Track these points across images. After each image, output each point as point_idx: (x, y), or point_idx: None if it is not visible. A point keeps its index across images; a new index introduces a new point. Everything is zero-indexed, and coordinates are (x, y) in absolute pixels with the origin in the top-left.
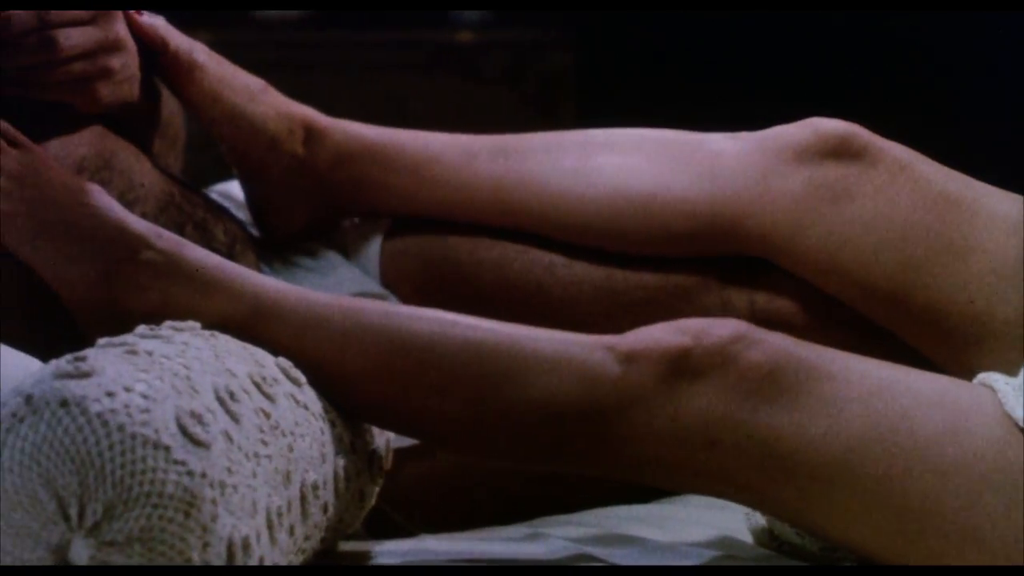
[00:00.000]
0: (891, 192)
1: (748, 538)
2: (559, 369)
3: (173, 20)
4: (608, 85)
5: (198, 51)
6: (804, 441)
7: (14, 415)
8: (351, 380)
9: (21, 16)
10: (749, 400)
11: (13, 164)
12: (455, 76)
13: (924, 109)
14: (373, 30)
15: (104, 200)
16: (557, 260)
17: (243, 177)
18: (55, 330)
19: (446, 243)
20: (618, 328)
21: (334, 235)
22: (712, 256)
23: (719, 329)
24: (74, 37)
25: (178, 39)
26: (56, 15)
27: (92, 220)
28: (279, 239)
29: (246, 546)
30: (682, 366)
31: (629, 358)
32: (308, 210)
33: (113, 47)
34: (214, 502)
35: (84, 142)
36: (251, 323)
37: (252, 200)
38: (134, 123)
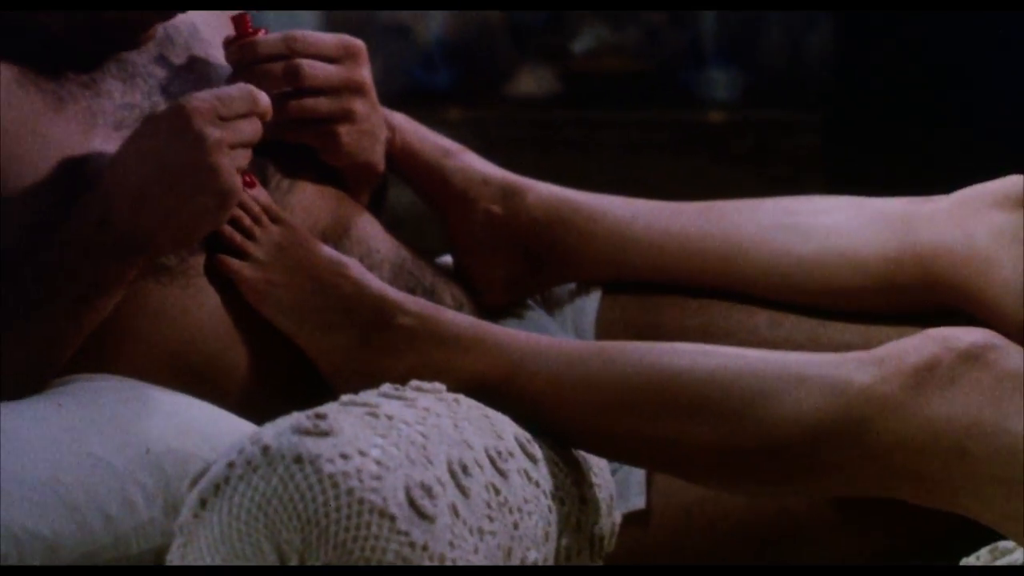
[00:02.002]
0: None
1: None
2: (810, 384)
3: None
4: (856, 165)
5: (394, 115)
6: None
7: (249, 463)
8: (605, 419)
9: (268, 41)
10: (1001, 406)
11: (275, 239)
12: (704, 155)
13: None
14: (624, 109)
15: (360, 271)
16: (761, 322)
17: (449, 237)
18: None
19: (654, 311)
20: None
21: (552, 305)
22: (912, 311)
23: (969, 336)
24: (319, 70)
25: None
26: (302, 44)
27: (350, 290)
28: (486, 303)
29: None
30: (932, 374)
31: (879, 369)
32: (508, 269)
33: (357, 89)
34: None
35: (325, 212)
36: (505, 376)
37: (455, 260)
38: (366, 186)
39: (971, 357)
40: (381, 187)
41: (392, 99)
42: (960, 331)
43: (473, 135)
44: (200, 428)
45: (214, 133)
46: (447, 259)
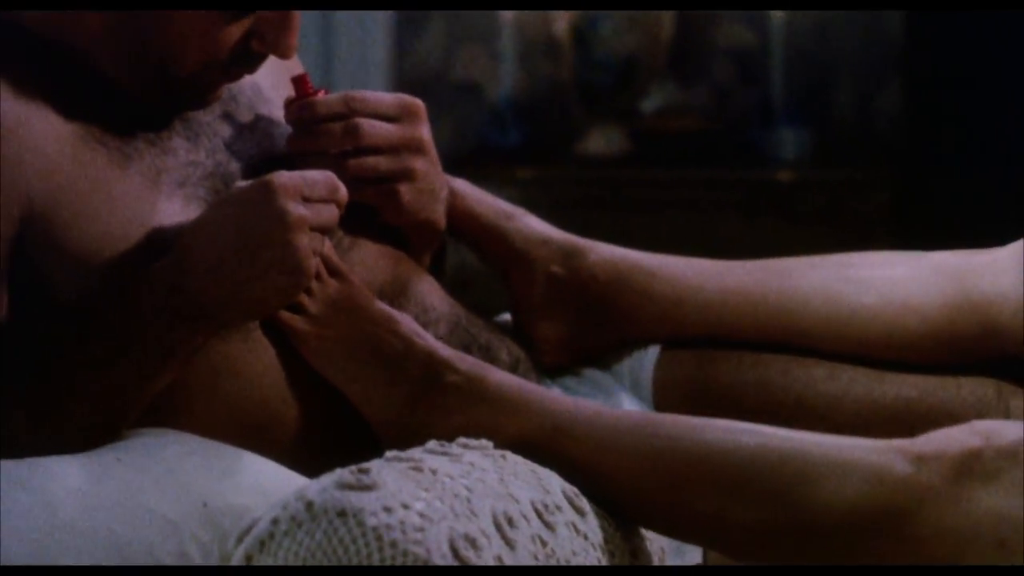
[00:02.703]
0: None
1: None
2: (852, 471)
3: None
4: (925, 224)
5: (455, 180)
6: None
7: (293, 519)
8: (646, 491)
9: (328, 101)
10: None
11: (332, 292)
12: (773, 215)
13: None
14: (694, 168)
15: (411, 327)
16: (818, 374)
17: (509, 298)
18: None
19: (711, 365)
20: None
21: (611, 362)
22: (970, 361)
23: (1011, 430)
24: (378, 129)
25: None
26: (362, 103)
27: (400, 346)
28: (545, 362)
29: None
30: (973, 466)
31: (920, 459)
32: (568, 329)
33: (417, 148)
34: None
35: (384, 270)
36: (549, 440)
37: (516, 319)
38: (427, 244)
39: (1011, 452)
40: (440, 247)
41: (463, 157)
42: (1002, 425)
43: (543, 194)
44: (257, 483)
45: (297, 210)
46: (508, 317)
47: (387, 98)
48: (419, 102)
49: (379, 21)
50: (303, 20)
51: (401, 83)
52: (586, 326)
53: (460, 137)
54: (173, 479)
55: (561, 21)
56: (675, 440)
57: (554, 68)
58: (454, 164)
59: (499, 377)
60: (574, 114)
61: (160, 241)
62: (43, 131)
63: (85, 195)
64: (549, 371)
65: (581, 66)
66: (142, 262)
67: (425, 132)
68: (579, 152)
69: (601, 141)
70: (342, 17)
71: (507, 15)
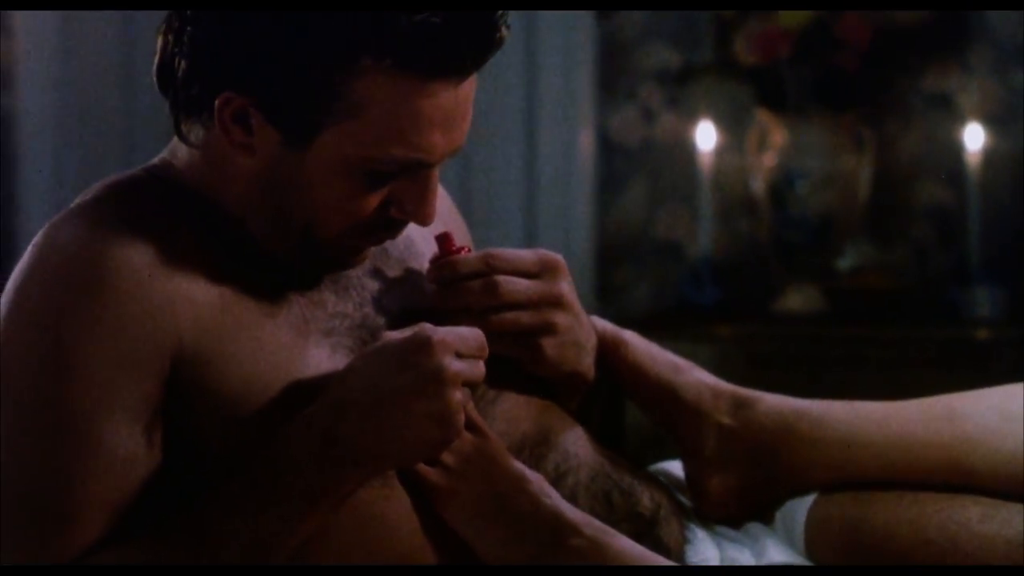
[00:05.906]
0: None
1: None
2: None
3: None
4: None
5: (625, 332)
6: None
7: None
8: None
9: (468, 260)
10: None
11: (467, 447)
12: (969, 373)
13: None
14: (890, 326)
15: (543, 488)
16: (974, 514)
17: (680, 452)
18: None
19: (866, 504)
20: None
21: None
22: None
23: None
24: (517, 285)
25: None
26: (502, 261)
27: (527, 507)
28: (716, 514)
29: None
30: None
31: None
32: (742, 481)
33: (556, 303)
34: None
35: (526, 419)
36: None
37: (688, 474)
38: (574, 393)
39: None
40: (593, 393)
41: (661, 315)
42: None
43: (739, 351)
44: None
45: (454, 365)
46: (664, 465)
47: (526, 255)
48: (558, 258)
49: (582, 180)
50: (508, 178)
51: (603, 242)
52: (757, 477)
53: (659, 295)
54: None
55: (759, 181)
56: None
57: (752, 227)
58: (652, 321)
59: (622, 544)
60: (771, 272)
61: (306, 388)
62: (195, 279)
63: (233, 340)
64: (704, 518)
65: (778, 225)
66: (287, 408)
67: (565, 287)
68: (776, 310)
69: (798, 299)
70: (545, 177)
71: (706, 175)
